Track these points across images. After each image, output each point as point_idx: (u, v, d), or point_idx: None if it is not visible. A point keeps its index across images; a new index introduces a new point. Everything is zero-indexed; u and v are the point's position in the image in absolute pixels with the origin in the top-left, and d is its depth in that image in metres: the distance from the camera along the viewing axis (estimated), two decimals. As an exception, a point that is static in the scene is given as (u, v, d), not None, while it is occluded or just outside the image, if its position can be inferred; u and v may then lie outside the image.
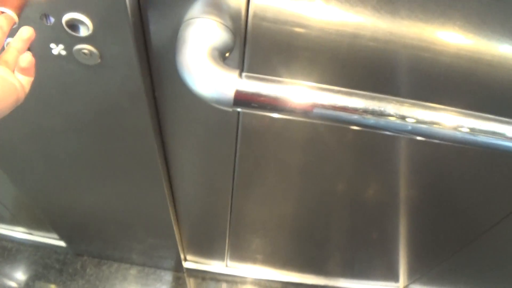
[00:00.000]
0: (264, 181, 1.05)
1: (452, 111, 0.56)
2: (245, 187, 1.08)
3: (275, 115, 0.55)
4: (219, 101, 0.54)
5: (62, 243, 1.74)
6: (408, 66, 0.65)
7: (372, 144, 0.87)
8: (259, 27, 0.60)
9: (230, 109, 0.55)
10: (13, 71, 0.52)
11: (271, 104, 0.53)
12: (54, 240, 1.77)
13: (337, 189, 1.07)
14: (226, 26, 0.58)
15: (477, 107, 0.58)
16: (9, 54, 0.52)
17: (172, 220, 1.25)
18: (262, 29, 0.60)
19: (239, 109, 0.55)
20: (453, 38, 0.61)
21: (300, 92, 0.53)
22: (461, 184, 0.98)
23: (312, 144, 0.88)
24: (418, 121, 0.54)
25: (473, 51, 0.62)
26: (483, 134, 0.56)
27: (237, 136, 0.86)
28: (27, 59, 0.53)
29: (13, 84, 0.50)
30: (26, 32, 0.52)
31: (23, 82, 0.53)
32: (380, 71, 0.65)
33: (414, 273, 1.60)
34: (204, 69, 0.53)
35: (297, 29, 0.60)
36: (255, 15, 0.59)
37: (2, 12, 0.53)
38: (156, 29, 0.63)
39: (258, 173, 1.01)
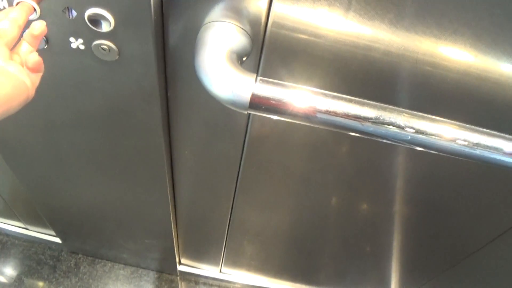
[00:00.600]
0: (266, 188, 1.06)
1: (454, 124, 0.57)
2: (247, 193, 1.09)
3: (288, 120, 0.56)
4: (235, 103, 0.55)
5: (57, 240, 1.74)
6: (418, 80, 0.66)
7: (372, 157, 0.89)
8: (277, 34, 0.62)
9: (245, 112, 0.56)
10: (23, 66, 0.52)
11: (286, 109, 0.54)
12: (49, 236, 1.78)
13: (335, 200, 1.08)
14: (245, 31, 0.60)
15: (481, 123, 0.59)
16: (21, 49, 0.52)
17: (171, 221, 1.26)
18: (280, 36, 0.62)
19: (253, 112, 0.57)
20: (463, 56, 0.62)
21: (315, 99, 0.54)
22: (457, 200, 0.99)
23: (318, 153, 0.89)
24: (427, 133, 0.56)
25: (481, 69, 0.63)
26: (482, 148, 0.57)
27: (244, 141, 0.87)
28: (33, 59, 0.52)
29: (24, 82, 0.50)
30: (38, 28, 0.52)
31: (33, 78, 0.53)
32: (391, 84, 0.67)
33: (406, 287, 1.61)
34: (222, 72, 0.54)
35: (314, 39, 0.61)
36: (274, 23, 0.60)
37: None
38: (175, 30, 0.65)
39: (262, 179, 1.02)
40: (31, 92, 0.52)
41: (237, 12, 0.59)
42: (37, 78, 0.54)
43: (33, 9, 0.55)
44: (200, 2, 0.60)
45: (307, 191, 1.05)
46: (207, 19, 0.60)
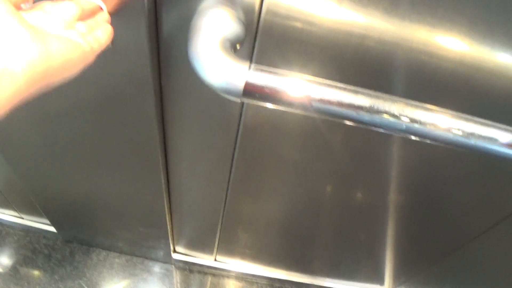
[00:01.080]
0: (260, 177, 1.06)
1: (449, 113, 0.57)
2: (241, 182, 1.09)
3: (282, 108, 0.56)
4: (228, 91, 0.55)
5: (52, 229, 1.74)
6: (412, 69, 0.66)
7: (367, 145, 0.89)
8: (271, 22, 0.61)
9: (239, 100, 0.56)
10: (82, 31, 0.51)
11: (280, 97, 0.54)
12: (44, 225, 1.77)
13: (329, 189, 1.09)
14: (238, 18, 0.59)
15: (476, 113, 0.59)
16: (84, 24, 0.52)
17: (166, 210, 1.26)
18: (273, 24, 0.61)
19: (247, 101, 0.57)
20: (457, 45, 0.62)
21: (309, 88, 0.54)
22: (452, 189, 1.00)
23: (312, 142, 0.89)
24: (422, 123, 0.56)
25: (475, 59, 0.63)
26: (477, 138, 0.58)
27: (238, 130, 0.87)
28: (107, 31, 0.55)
29: (82, 47, 0.49)
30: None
31: (94, 44, 0.52)
32: (385, 73, 0.67)
33: (400, 277, 1.62)
34: (216, 59, 0.54)
35: (308, 27, 0.61)
36: (268, 10, 0.60)
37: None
38: (168, 18, 0.64)
39: (255, 169, 1.02)
40: (91, 57, 0.52)
41: (231, -1, 0.59)
42: (99, 45, 0.54)
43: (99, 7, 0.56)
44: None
45: (301, 180, 1.05)
46: (201, 7, 0.60)
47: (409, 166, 0.94)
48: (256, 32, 0.64)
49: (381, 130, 0.57)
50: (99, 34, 0.54)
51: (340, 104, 0.54)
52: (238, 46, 0.61)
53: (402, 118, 0.55)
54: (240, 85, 0.53)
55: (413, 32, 0.60)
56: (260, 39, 0.65)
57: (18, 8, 0.47)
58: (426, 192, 1.03)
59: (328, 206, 1.19)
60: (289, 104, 0.55)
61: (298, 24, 0.61)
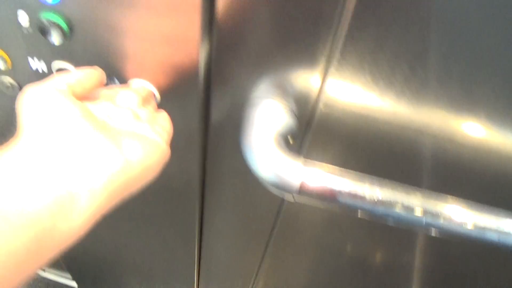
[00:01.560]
0: (294, 257, 1.04)
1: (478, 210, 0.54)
2: (274, 260, 1.06)
3: (337, 209, 0.54)
4: (283, 188, 0.53)
5: (74, 284, 1.71)
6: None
7: (392, 233, 0.86)
8: (327, 116, 0.60)
9: (292, 198, 0.55)
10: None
11: (336, 199, 0.52)
12: (66, 280, 1.75)
13: (362, 269, 1.06)
14: (292, 110, 0.58)
15: (498, 203, 0.56)
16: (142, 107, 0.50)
17: (194, 278, 1.23)
18: (329, 118, 0.60)
19: (301, 197, 0.55)
20: (478, 131, 0.59)
21: (366, 189, 0.52)
22: (475, 276, 0.95)
23: (349, 228, 0.86)
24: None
25: (497, 147, 0.60)
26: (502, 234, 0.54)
27: (277, 216, 0.85)
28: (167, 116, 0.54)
29: (160, 144, 0.46)
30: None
31: (165, 136, 0.49)
32: (442, 168, 0.65)
33: None
34: (271, 156, 0.53)
35: (363, 122, 0.60)
36: (325, 104, 0.58)
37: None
38: (219, 105, 0.63)
39: (290, 249, 1.00)
40: (168, 152, 0.48)
41: (284, 90, 0.58)
42: (168, 135, 0.51)
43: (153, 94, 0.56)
44: (247, 78, 0.58)
45: (334, 259, 1.02)
46: (253, 96, 0.59)
47: (435, 253, 0.90)
48: (310, 126, 0.62)
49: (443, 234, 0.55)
50: (163, 121, 0.52)
51: (403, 208, 0.52)
52: (291, 141, 0.59)
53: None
54: (296, 184, 0.52)
55: (465, 127, 0.58)
56: (312, 133, 0.63)
57: (83, 98, 0.42)
58: (449, 280, 0.98)
59: (356, 283, 1.16)
60: (345, 206, 0.53)
61: (354, 119, 0.59)
